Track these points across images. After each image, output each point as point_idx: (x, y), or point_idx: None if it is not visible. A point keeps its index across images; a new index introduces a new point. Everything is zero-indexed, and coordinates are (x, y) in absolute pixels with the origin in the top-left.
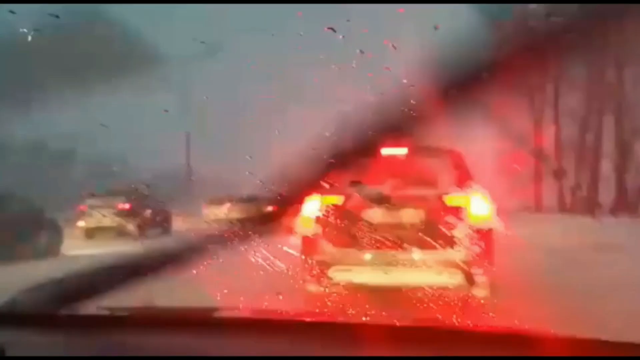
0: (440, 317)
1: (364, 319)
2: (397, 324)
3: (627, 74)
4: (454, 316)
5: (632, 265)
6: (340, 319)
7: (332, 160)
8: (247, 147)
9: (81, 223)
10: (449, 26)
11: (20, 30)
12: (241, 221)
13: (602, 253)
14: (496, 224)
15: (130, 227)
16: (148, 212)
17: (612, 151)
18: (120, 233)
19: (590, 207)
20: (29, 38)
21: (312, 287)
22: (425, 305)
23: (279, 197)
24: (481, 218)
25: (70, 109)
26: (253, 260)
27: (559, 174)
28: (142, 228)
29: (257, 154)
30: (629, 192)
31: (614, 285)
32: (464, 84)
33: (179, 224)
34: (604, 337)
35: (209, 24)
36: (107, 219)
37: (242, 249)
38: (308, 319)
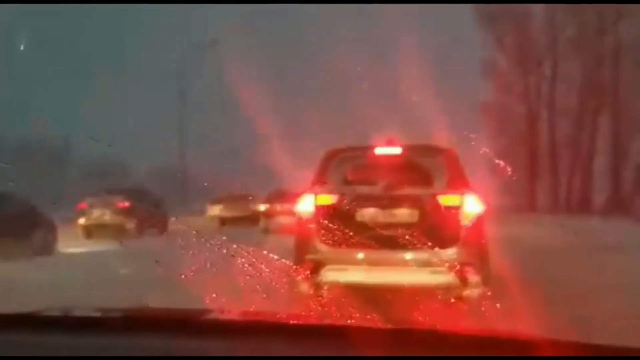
0: (431, 319)
1: (352, 321)
2: (388, 326)
3: (623, 73)
4: (447, 318)
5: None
6: (331, 321)
7: (326, 160)
8: (242, 147)
9: (81, 221)
10: (446, 26)
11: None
12: (237, 220)
13: (589, 254)
14: (487, 224)
15: (129, 225)
16: (146, 211)
17: (607, 151)
18: (119, 231)
19: (584, 207)
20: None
21: (305, 287)
22: (418, 305)
23: (273, 196)
24: (475, 218)
25: (67, 107)
26: (244, 260)
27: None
28: (140, 226)
29: (252, 152)
30: (622, 193)
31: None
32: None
33: (178, 223)
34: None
35: (204, 21)
36: (107, 217)
37: (235, 248)
38: (297, 322)
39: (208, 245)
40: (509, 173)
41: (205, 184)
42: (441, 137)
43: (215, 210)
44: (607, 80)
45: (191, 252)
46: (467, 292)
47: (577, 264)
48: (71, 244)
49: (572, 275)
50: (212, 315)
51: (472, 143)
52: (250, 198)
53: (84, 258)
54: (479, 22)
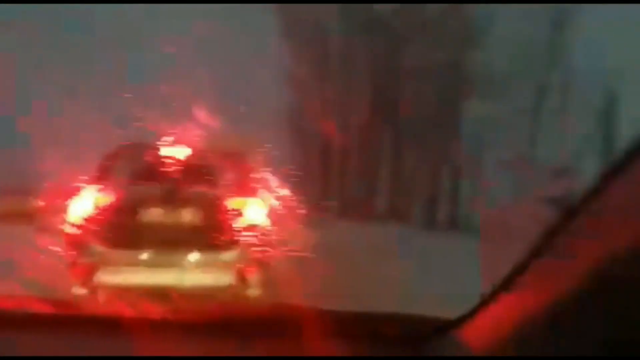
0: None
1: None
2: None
3: (407, 86)
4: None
5: None
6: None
7: (110, 156)
8: (30, 132)
9: None
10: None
11: None
12: (11, 216)
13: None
14: (272, 227)
15: None
16: None
17: (387, 157)
18: None
19: (367, 212)
20: None
21: (79, 290)
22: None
23: (51, 191)
24: (258, 221)
25: None
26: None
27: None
28: None
29: (41, 141)
30: (400, 200)
31: None
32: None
33: None
34: None
35: None
36: None
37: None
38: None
39: None
40: (297, 178)
41: None
42: (237, 142)
43: None
44: (392, 95)
45: None
46: (248, 292)
47: None
48: None
49: None
50: None
51: (267, 149)
52: (31, 192)
53: None
54: (281, 34)
